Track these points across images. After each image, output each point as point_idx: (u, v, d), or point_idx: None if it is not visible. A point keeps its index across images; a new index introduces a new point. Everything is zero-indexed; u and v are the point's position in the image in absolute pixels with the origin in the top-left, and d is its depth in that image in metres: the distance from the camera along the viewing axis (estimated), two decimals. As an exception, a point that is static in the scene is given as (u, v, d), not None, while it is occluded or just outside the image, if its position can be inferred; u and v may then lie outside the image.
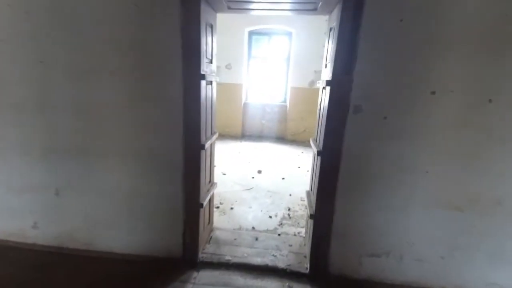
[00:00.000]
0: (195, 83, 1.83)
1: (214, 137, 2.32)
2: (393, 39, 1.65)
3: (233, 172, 4.21)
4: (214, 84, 2.32)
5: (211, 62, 2.19)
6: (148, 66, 1.83)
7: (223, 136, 6.68)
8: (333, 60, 1.75)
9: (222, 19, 6.92)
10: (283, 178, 4.08)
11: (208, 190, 2.28)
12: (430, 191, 1.81)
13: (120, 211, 2.07)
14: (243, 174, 4.18)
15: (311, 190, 2.26)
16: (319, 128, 2.11)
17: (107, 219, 2.10)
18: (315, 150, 1.98)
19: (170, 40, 1.78)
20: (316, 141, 2.17)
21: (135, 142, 1.94)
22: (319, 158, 1.89)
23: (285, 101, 6.85)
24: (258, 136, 6.88)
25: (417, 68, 1.67)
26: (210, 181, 2.39)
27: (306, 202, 2.22)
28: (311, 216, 1.94)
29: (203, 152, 1.98)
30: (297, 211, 3.04)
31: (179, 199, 2.00)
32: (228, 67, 6.45)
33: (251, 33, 6.52)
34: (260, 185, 3.78)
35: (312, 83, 6.32)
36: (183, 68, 1.81)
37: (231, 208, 3.04)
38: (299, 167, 4.69)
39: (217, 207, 3.03)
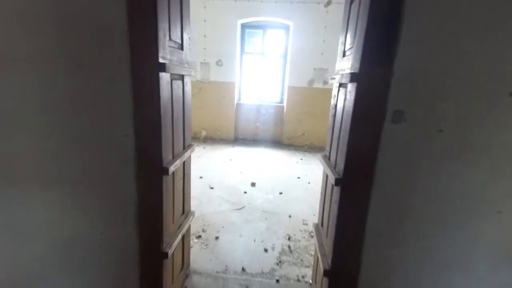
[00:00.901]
0: (150, 78, 1.20)
1: (187, 153, 1.68)
2: (465, 8, 1.05)
3: (222, 185, 3.59)
4: (187, 80, 1.68)
5: (181, 48, 1.56)
6: (78, 51, 1.20)
7: (214, 140, 6.05)
8: (360, 44, 1.14)
9: (212, 10, 6.33)
10: (280, 193, 3.47)
11: (180, 227, 1.65)
12: (502, 241, 1.22)
13: (48, 262, 1.43)
14: (234, 187, 3.56)
15: (322, 226, 1.65)
16: (334, 142, 1.50)
17: (29, 273, 1.46)
18: (330, 175, 1.36)
19: (111, 10, 1.15)
20: (330, 160, 1.56)
21: (64, 164, 1.30)
22: (337, 188, 1.28)
23: (281, 102, 6.24)
24: (252, 140, 6.27)
25: (500, 57, 1.07)
26: (183, 213, 1.76)
27: (316, 244, 1.61)
28: (327, 273, 1.33)
29: (166, 178, 1.36)
30: (299, 241, 2.43)
31: (132, 247, 1.37)
32: (219, 63, 5.82)
33: (244, 26, 5.90)
34: (253, 202, 3.16)
35: (312, 82, 5.72)
36: (131, 55, 1.18)
37: (216, 238, 2.41)
38: (298, 177, 4.08)
39: (199, 237, 2.40)
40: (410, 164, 1.19)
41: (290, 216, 2.86)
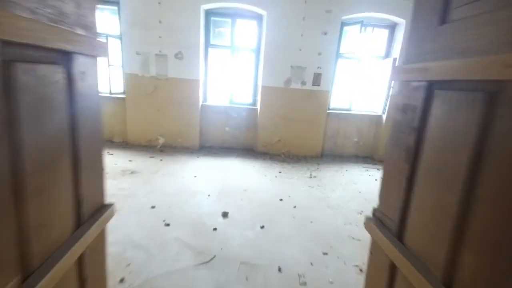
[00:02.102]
0: None
1: (87, 234, 0.76)
2: None
3: (182, 219, 2.64)
4: (86, 66, 0.75)
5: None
6: None
7: (174, 149, 5.01)
8: None
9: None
10: (262, 227, 2.63)
11: None
12: None
13: None
14: (200, 221, 2.64)
15: None
16: (426, 212, 0.69)
17: None
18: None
19: None
20: (406, 243, 0.75)
21: None
22: None
23: (254, 104, 5.42)
24: (221, 148, 5.35)
25: None
26: None
27: None
28: None
29: None
30: (300, 319, 1.62)
31: None
32: (179, 56, 4.80)
33: (209, 14, 4.95)
34: (227, 246, 2.28)
35: (288, 82, 4.98)
36: None
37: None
38: (281, 199, 3.28)
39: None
40: None
41: (279, 270, 2.03)
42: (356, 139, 5.50)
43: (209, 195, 3.23)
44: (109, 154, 4.47)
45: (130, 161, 4.24)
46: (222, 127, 5.37)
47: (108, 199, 1.03)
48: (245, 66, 5.37)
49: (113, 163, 4.07)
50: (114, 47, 4.84)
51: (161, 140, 5.14)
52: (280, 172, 4.29)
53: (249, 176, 4.00)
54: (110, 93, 4.74)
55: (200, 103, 5.12)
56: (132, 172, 3.77)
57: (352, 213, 3.08)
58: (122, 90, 5.00)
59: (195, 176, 3.81)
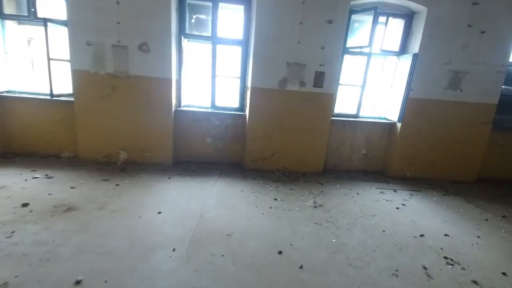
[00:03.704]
0: None
1: None
2: None
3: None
4: None
5: None
6: None
7: (140, 166, 3.92)
8: None
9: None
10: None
11: None
12: None
13: None
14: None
15: None
16: None
17: None
18: None
19: None
20: None
21: None
22: None
23: (242, 109, 4.40)
24: (201, 164, 4.30)
25: None
26: None
27: None
28: None
29: None
30: None
31: None
32: (144, 48, 3.71)
33: (183, -5, 3.89)
34: None
35: (284, 82, 3.98)
36: None
37: None
38: (280, 252, 2.28)
39: None
40: None
41: None
42: (364, 151, 4.57)
43: (174, 250, 2.18)
44: (46, 178, 3.33)
45: (72, 188, 3.12)
46: (203, 137, 4.32)
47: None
48: (230, 63, 4.34)
49: (45, 192, 2.95)
50: (58, 36, 3.69)
51: (123, 156, 4.03)
52: (275, 199, 3.28)
53: (235, 208, 2.97)
54: (52, 95, 3.60)
55: (174, 108, 4.05)
56: (68, 209, 2.66)
57: (384, 275, 2.11)
58: (70, 92, 3.86)
59: (159, 212, 2.75)
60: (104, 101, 3.82)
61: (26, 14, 3.82)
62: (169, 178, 3.69)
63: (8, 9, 3.83)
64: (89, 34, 3.59)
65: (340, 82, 4.32)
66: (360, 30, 4.30)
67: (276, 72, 3.93)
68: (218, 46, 4.14)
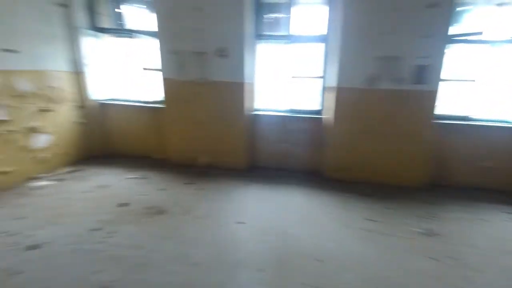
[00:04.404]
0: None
1: None
2: None
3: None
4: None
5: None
6: None
7: (219, 171, 3.93)
8: None
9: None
10: None
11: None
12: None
13: None
14: None
15: None
16: None
17: None
18: None
19: None
20: None
21: None
22: None
23: (322, 112, 4.04)
24: (277, 170, 4.11)
25: None
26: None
27: None
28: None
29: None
30: None
31: None
32: (223, 54, 3.71)
33: (262, -5, 3.76)
34: None
35: (372, 79, 3.47)
36: None
37: None
38: None
39: None
40: None
41: None
42: (483, 163, 3.65)
43: (260, 271, 2.00)
44: (140, 179, 3.62)
45: (161, 189, 3.30)
46: (279, 142, 4.13)
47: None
48: (309, 62, 4.03)
49: (139, 193, 3.18)
50: (151, 47, 4.00)
51: (204, 159, 4.15)
52: (368, 219, 2.82)
53: (321, 226, 2.65)
54: (145, 102, 3.92)
55: (249, 111, 3.97)
56: (158, 212, 2.78)
57: None
58: (161, 99, 4.15)
59: (239, 222, 2.64)
60: (187, 107, 3.98)
61: (119, 28, 4.22)
62: (246, 184, 3.60)
63: (105, 24, 4.26)
64: (174, 43, 3.76)
65: (445, 77, 3.55)
66: (470, 14, 3.46)
67: (363, 68, 3.45)
68: (296, 45, 3.88)
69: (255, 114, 4.07)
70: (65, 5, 3.71)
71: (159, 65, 3.90)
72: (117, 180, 3.54)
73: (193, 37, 3.68)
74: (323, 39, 3.78)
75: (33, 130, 3.41)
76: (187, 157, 4.18)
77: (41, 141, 3.53)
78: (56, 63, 3.69)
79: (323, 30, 3.74)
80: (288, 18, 3.80)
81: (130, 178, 3.64)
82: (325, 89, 3.91)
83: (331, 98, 3.66)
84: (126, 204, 2.91)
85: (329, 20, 3.69)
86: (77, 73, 4.01)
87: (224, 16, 3.55)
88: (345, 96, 3.56)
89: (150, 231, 2.44)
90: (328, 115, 3.79)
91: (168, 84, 3.95)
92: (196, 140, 4.09)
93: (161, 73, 3.92)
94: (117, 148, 4.57)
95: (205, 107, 3.94)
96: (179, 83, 3.90)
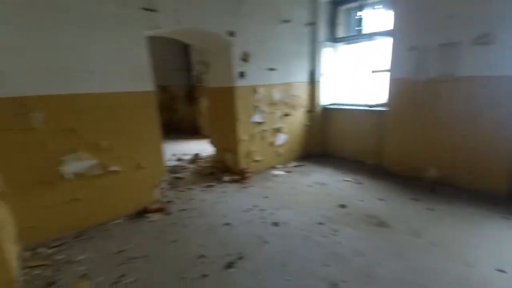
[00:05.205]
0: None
1: None
2: None
3: None
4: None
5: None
6: None
7: (456, 190, 3.11)
8: None
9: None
10: None
11: None
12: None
13: None
14: None
15: None
16: None
17: None
18: None
19: None
20: None
21: None
22: None
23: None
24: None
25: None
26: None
27: None
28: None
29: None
30: None
31: None
32: (482, 41, 2.81)
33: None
34: None
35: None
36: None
37: None
38: None
39: None
40: None
41: None
42: None
43: None
44: (355, 183, 3.57)
45: (380, 199, 3.06)
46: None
47: None
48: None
49: (356, 198, 3.11)
50: (383, 49, 3.82)
51: (432, 173, 3.42)
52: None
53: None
54: (368, 105, 3.81)
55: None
56: (380, 224, 2.56)
57: None
58: (383, 101, 3.89)
59: (499, 270, 1.86)
60: (418, 110, 3.43)
61: (354, 34, 4.35)
62: (505, 217, 2.54)
63: (340, 33, 4.55)
64: (413, 38, 3.33)
65: None
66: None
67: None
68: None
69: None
70: (313, 23, 4.33)
71: (388, 66, 3.64)
72: (333, 180, 3.68)
73: (442, 26, 3.07)
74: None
75: (277, 130, 4.29)
76: (410, 167, 3.63)
77: (281, 139, 4.37)
78: (299, 76, 4.42)
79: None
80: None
81: (346, 180, 3.68)
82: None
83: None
84: (344, 206, 2.93)
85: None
86: (313, 82, 4.60)
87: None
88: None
89: (373, 243, 2.28)
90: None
91: (397, 84, 3.59)
92: (424, 148, 3.44)
93: (389, 74, 3.64)
94: (332, 149, 4.82)
95: (443, 109, 3.21)
96: (410, 83, 3.43)
